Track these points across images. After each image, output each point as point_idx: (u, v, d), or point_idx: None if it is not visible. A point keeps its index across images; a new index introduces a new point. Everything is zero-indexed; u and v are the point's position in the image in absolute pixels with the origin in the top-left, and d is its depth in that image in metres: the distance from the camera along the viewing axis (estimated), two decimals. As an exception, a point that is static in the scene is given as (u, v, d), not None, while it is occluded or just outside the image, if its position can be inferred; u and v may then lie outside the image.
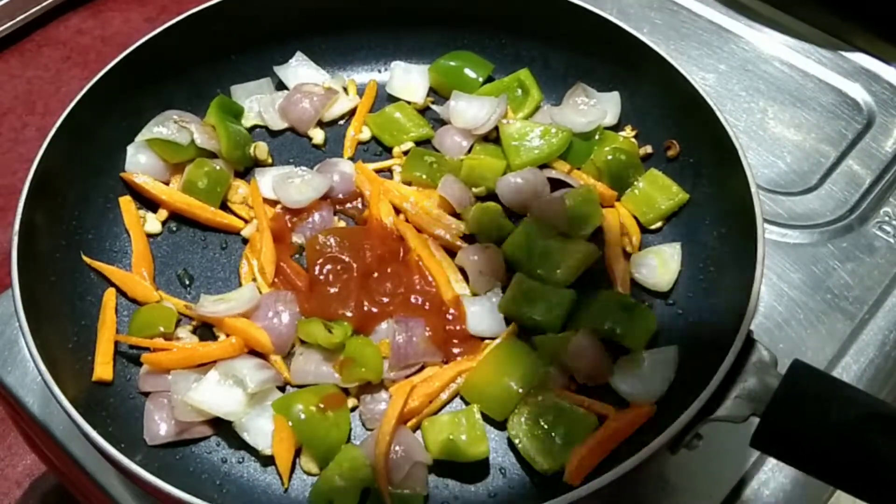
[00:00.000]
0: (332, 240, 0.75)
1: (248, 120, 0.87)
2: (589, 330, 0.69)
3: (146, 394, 0.69)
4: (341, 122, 0.89)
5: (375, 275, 0.75)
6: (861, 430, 0.54)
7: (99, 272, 0.75)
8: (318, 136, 0.87)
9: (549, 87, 0.88)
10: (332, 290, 0.73)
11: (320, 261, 0.74)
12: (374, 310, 0.72)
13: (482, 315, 0.73)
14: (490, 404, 0.67)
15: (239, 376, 0.66)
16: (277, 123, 0.87)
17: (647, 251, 0.78)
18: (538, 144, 0.81)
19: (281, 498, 0.65)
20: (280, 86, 0.90)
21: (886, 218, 0.86)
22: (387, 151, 0.87)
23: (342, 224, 0.80)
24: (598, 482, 0.57)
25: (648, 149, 0.84)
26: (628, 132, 0.85)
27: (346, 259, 0.74)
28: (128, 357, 0.71)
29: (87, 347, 0.70)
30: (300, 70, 0.89)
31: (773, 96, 0.96)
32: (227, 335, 0.71)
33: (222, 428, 0.67)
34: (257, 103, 0.87)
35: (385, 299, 0.73)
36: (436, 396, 0.69)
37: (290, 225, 0.78)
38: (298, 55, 0.90)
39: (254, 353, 0.71)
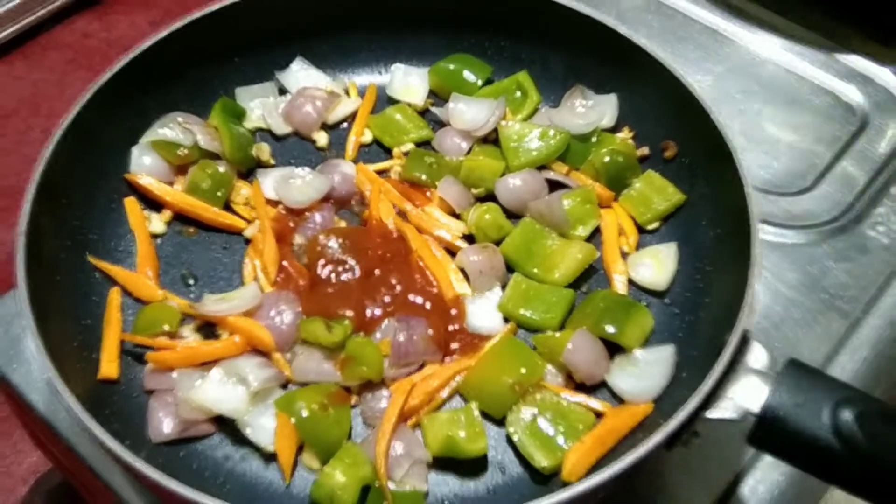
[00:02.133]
0: (332, 240, 0.76)
1: (251, 122, 0.88)
2: (586, 329, 0.70)
3: (150, 392, 0.69)
4: (344, 124, 0.89)
5: (377, 272, 0.75)
6: (856, 428, 0.55)
7: (104, 271, 0.75)
8: (321, 139, 0.87)
9: (547, 89, 0.89)
10: (333, 290, 0.73)
11: (321, 261, 0.75)
12: (376, 310, 0.72)
13: (482, 314, 0.74)
14: (488, 402, 0.68)
15: (242, 375, 0.67)
16: (281, 128, 0.88)
17: (644, 251, 0.78)
18: (537, 146, 0.82)
19: (283, 494, 0.66)
20: (283, 91, 0.90)
21: (880, 219, 0.87)
22: (388, 154, 0.87)
23: (343, 224, 0.81)
24: (596, 479, 0.57)
25: (645, 150, 0.84)
26: (626, 134, 0.86)
27: (347, 259, 0.75)
28: (132, 355, 0.72)
29: (92, 346, 0.71)
30: (301, 75, 0.90)
31: (768, 98, 0.97)
32: (230, 334, 0.72)
33: (225, 425, 0.68)
34: (261, 107, 0.88)
35: (386, 299, 0.74)
36: (435, 394, 0.69)
37: (291, 225, 0.79)
38: (298, 60, 0.90)
39: (256, 351, 0.71)
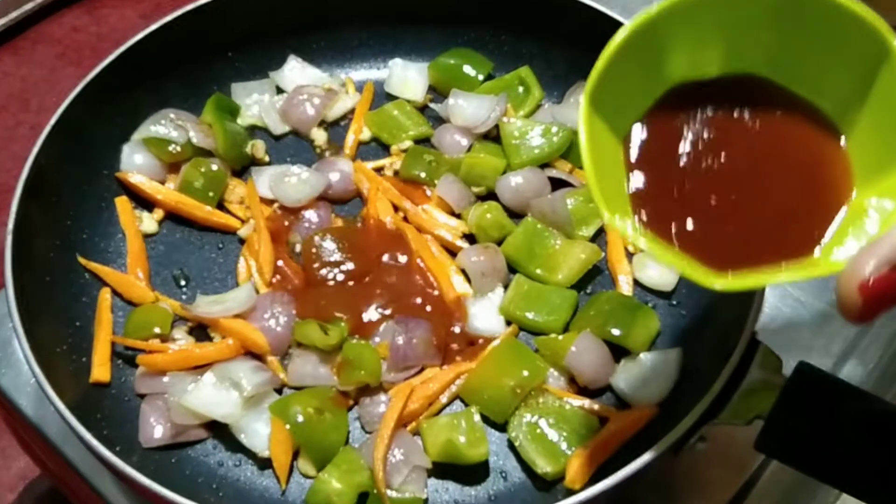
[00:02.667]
0: (329, 239, 0.74)
1: (246, 119, 0.86)
2: (591, 331, 0.68)
3: (142, 396, 0.68)
4: (342, 122, 0.88)
5: (375, 273, 0.74)
6: (867, 433, 0.54)
7: (94, 272, 0.74)
8: (320, 137, 0.86)
9: (550, 84, 0.87)
10: (329, 292, 0.72)
11: (317, 262, 0.73)
12: (374, 312, 0.71)
13: (484, 316, 0.72)
14: (489, 406, 0.67)
15: (235, 379, 0.66)
16: (279, 127, 0.86)
17: (649, 251, 0.77)
18: (539, 143, 0.80)
19: (278, 501, 0.65)
20: (280, 89, 0.89)
21: (892, 217, 0.86)
22: (387, 151, 0.86)
23: (340, 223, 0.80)
24: (601, 486, 0.56)
25: (650, 147, 0.83)
26: (630, 131, 0.85)
27: (344, 259, 0.74)
28: (123, 358, 0.70)
29: (82, 348, 0.69)
30: (296, 74, 0.88)
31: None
32: (224, 336, 0.70)
33: (219, 430, 0.67)
34: (257, 105, 0.87)
35: (384, 301, 0.72)
36: (435, 399, 0.68)
37: (287, 224, 0.78)
38: (292, 59, 0.88)
39: (251, 354, 0.70)
